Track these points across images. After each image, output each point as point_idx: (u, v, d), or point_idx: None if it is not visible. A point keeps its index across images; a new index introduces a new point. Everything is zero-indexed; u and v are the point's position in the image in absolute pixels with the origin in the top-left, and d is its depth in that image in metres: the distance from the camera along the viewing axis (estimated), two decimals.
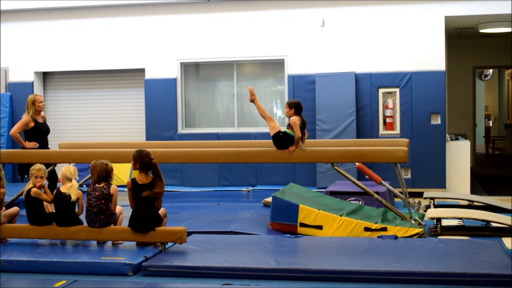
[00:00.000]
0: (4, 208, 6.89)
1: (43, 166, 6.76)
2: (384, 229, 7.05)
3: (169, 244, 6.36)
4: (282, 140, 7.44)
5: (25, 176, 8.61)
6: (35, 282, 5.51)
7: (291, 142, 7.41)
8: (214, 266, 5.63)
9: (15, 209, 7.03)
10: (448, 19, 10.78)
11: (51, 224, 6.51)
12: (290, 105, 7.46)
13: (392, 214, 7.59)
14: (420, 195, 9.46)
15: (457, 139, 11.32)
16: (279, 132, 7.44)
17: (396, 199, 9.31)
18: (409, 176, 10.67)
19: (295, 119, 7.37)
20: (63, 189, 6.50)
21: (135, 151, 6.44)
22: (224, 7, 11.38)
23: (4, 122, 11.90)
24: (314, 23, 11.08)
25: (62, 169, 6.59)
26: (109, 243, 6.51)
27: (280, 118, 11.57)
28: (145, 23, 11.66)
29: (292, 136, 7.38)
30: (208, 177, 11.37)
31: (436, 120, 10.69)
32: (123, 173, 10.99)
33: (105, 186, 6.46)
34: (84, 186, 8.89)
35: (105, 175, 6.49)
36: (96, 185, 6.47)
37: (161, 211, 6.43)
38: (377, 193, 7.85)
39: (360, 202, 8.59)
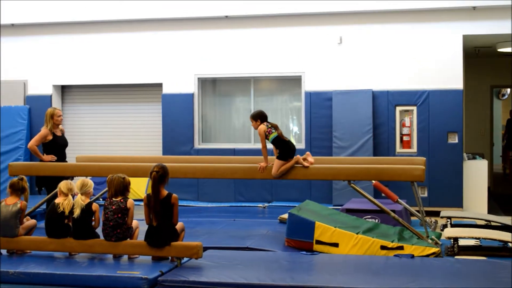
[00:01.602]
0: (24, 220, 6.93)
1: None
2: (401, 247, 7.02)
3: (185, 259, 6.36)
4: (281, 150, 7.52)
5: (43, 188, 8.69)
6: None
7: (283, 145, 7.49)
8: (230, 282, 5.62)
9: (33, 221, 7.06)
10: (466, 38, 10.76)
11: (69, 236, 6.55)
12: (255, 117, 7.60)
13: (408, 232, 7.55)
14: (437, 214, 9.40)
15: (474, 158, 11.26)
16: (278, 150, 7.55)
17: (412, 218, 9.25)
18: (426, 194, 10.61)
19: (261, 129, 7.48)
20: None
21: None
22: (242, 23, 11.44)
23: (22, 135, 11.99)
24: (331, 40, 11.10)
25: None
26: (125, 257, 6.52)
27: (296, 134, 11.57)
28: (163, 38, 11.74)
29: (281, 139, 7.49)
30: (224, 193, 11.38)
31: (454, 139, 10.64)
32: (139, 187, 11.03)
33: (121, 200, 6.48)
34: (101, 199, 8.92)
35: (122, 189, 6.52)
36: (113, 199, 6.49)
37: (179, 225, 6.43)
38: (393, 211, 7.80)
39: (377, 220, 8.54)
